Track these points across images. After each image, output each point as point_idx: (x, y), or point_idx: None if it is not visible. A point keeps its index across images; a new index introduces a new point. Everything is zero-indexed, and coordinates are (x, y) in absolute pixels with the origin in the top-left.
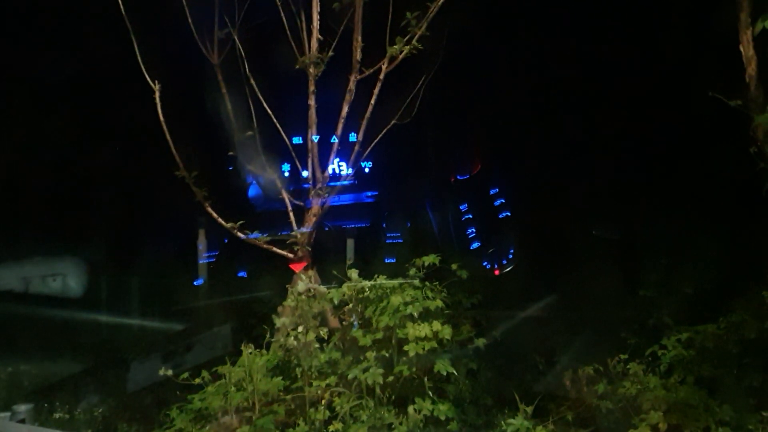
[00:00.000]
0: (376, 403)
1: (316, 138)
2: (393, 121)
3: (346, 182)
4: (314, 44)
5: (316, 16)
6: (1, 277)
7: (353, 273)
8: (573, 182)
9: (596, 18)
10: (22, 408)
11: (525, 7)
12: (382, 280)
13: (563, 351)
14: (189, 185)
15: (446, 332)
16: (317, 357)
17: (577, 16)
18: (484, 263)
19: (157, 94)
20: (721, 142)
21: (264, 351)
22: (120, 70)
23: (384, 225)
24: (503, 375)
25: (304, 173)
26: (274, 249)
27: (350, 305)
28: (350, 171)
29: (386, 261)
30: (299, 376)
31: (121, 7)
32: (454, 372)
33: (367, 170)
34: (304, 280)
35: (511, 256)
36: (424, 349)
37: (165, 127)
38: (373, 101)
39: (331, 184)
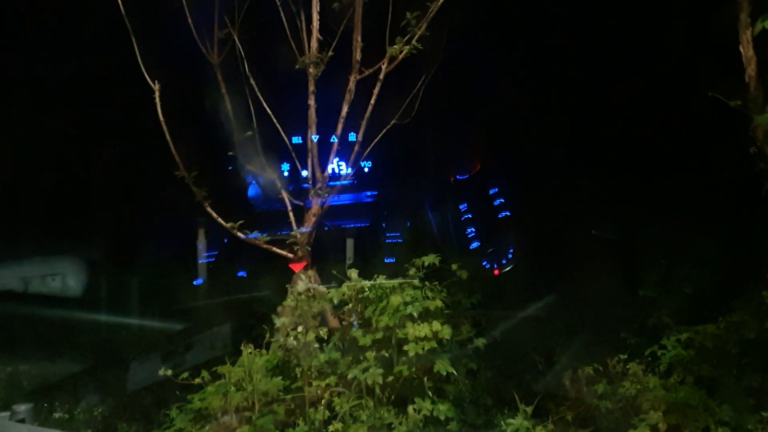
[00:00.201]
0: (376, 403)
1: (315, 138)
2: (393, 121)
3: (345, 182)
4: (314, 44)
5: (315, 16)
6: (1, 276)
7: (353, 273)
8: (573, 182)
9: (596, 18)
10: (22, 408)
11: (525, 7)
12: (381, 279)
13: (563, 351)
14: (189, 185)
15: (446, 332)
16: (317, 357)
17: (577, 16)
18: (484, 263)
19: (157, 94)
20: (721, 143)
21: (264, 351)
22: (120, 69)
23: (383, 225)
24: (503, 375)
25: (304, 173)
26: (274, 249)
27: (350, 305)
28: (350, 171)
29: (386, 261)
30: (299, 376)
31: (121, 7)
32: (454, 372)
33: (366, 170)
34: (304, 280)
35: (510, 256)
36: (423, 349)
37: (165, 127)
38: (372, 101)
39: (331, 183)
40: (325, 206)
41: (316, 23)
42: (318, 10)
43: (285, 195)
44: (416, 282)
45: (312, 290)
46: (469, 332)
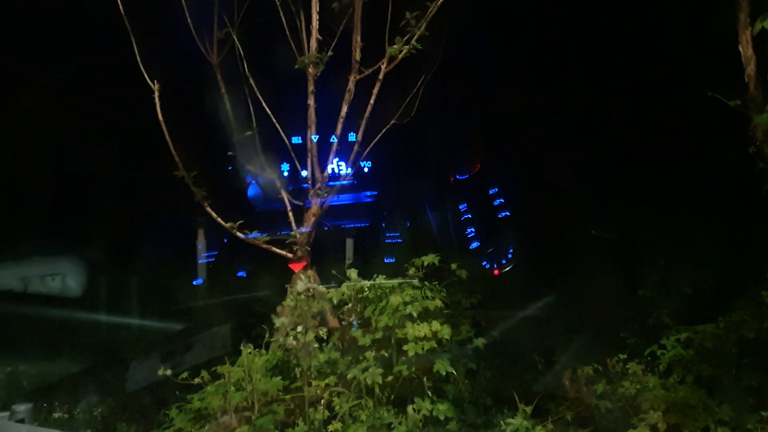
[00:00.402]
0: (376, 402)
1: (315, 138)
2: (392, 121)
3: (345, 182)
4: (313, 44)
5: (315, 16)
6: (1, 276)
7: (352, 273)
8: (572, 182)
9: (596, 18)
10: (22, 408)
11: (525, 7)
12: (381, 279)
13: (562, 351)
14: (188, 185)
15: (445, 332)
16: (316, 357)
17: (577, 16)
18: (484, 263)
19: (157, 94)
20: (721, 142)
21: (263, 351)
22: (119, 69)
23: (383, 224)
24: (502, 375)
25: (304, 173)
26: (274, 249)
27: (349, 305)
28: (349, 171)
29: (385, 261)
30: (298, 375)
31: (121, 7)
32: (454, 372)
33: (366, 170)
34: (304, 280)
35: (510, 256)
36: (423, 348)
37: (164, 127)
38: (372, 101)
39: (331, 183)
40: (325, 206)
41: (315, 23)
42: (317, 10)
43: (284, 195)
44: (416, 282)
45: (311, 290)
46: (469, 332)
